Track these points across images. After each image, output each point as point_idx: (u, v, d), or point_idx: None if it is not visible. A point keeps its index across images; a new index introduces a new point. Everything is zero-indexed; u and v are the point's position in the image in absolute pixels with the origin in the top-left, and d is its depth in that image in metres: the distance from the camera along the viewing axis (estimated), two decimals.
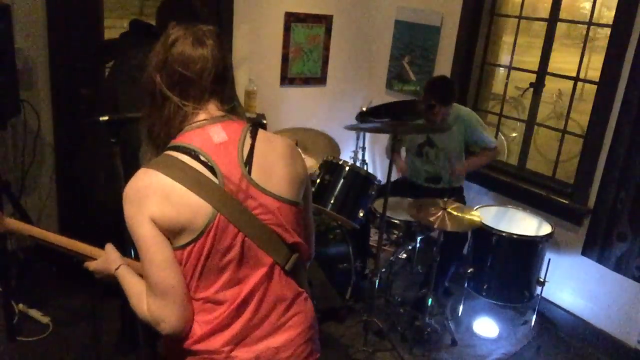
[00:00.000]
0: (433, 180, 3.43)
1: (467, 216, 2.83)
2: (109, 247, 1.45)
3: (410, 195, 3.30)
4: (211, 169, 1.22)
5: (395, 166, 3.35)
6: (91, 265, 1.45)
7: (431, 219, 2.73)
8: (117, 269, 1.36)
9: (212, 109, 1.29)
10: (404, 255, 3.28)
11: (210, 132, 1.26)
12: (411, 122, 3.16)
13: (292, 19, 3.99)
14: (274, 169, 1.29)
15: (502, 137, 5.61)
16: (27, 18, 3.00)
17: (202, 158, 1.22)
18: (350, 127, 3.16)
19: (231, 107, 1.33)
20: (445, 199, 2.85)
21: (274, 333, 1.30)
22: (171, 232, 1.19)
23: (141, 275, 1.29)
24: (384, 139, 4.08)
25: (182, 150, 1.23)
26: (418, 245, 3.19)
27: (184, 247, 1.20)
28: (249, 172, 1.25)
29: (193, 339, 1.25)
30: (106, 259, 1.42)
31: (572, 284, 3.26)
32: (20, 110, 2.92)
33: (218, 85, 1.28)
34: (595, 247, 3.09)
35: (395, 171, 3.37)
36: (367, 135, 4.58)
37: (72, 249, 1.52)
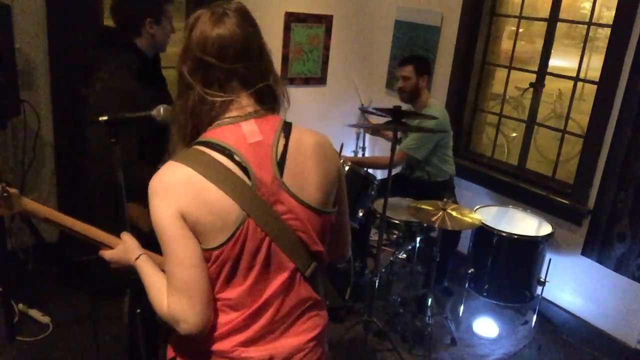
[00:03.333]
0: (408, 169, 3.47)
1: (466, 217, 2.84)
2: (127, 236, 1.40)
3: (400, 190, 3.31)
4: (244, 170, 1.17)
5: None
6: (107, 253, 1.40)
7: (432, 219, 2.74)
8: (137, 258, 1.32)
9: (245, 100, 1.22)
10: (404, 255, 3.28)
11: (244, 130, 1.20)
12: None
13: (292, 19, 3.99)
14: (306, 173, 1.23)
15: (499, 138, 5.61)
16: (27, 18, 3.00)
17: (237, 158, 1.17)
18: (352, 126, 3.16)
19: (263, 95, 1.24)
20: (445, 200, 2.86)
21: (288, 335, 1.28)
22: (199, 232, 1.15)
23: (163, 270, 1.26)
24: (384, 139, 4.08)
25: (215, 148, 1.17)
26: (418, 245, 3.19)
27: (213, 249, 1.16)
28: (281, 175, 1.20)
29: (207, 339, 1.22)
30: (125, 247, 1.37)
31: (572, 284, 3.26)
32: (20, 110, 2.92)
33: (242, 64, 1.20)
34: (595, 247, 3.09)
35: (395, 171, 3.38)
36: (367, 135, 4.58)
37: (88, 235, 1.45)
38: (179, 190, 1.14)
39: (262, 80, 1.23)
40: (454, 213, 2.81)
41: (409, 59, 3.37)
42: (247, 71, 1.21)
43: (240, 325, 1.22)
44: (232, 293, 1.21)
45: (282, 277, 1.24)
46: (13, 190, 1.31)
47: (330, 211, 1.30)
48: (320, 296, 1.36)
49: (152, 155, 2.05)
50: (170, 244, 1.14)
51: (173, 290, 1.16)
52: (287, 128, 1.25)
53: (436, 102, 3.42)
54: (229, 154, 1.17)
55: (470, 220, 2.82)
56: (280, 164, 1.20)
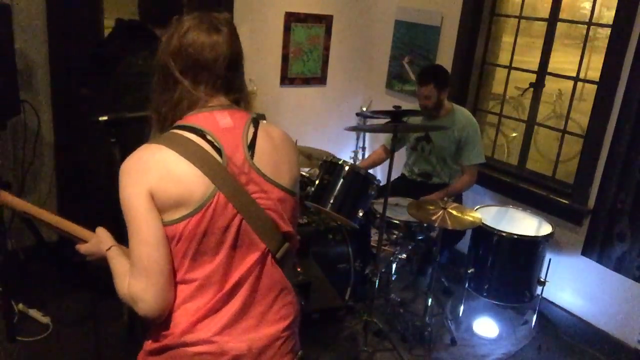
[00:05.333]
0: (425, 175, 3.46)
1: (467, 216, 2.84)
2: (101, 230, 1.43)
3: (406, 192, 3.32)
4: (217, 150, 1.23)
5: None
6: (82, 247, 1.44)
7: (432, 218, 2.74)
8: (108, 249, 1.35)
9: (222, 99, 1.30)
10: (404, 255, 3.28)
11: (216, 117, 1.27)
12: (411, 121, 3.18)
13: (292, 19, 4.00)
14: (275, 158, 1.32)
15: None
16: (27, 18, 3.00)
17: (209, 137, 1.23)
18: (351, 129, 3.17)
19: (238, 97, 1.34)
20: (445, 199, 2.86)
21: (263, 324, 1.30)
22: (167, 206, 1.18)
23: None
24: (384, 138, 4.08)
25: (188, 129, 1.24)
26: (418, 245, 3.19)
27: (178, 220, 1.18)
28: (252, 158, 1.27)
29: (181, 328, 1.23)
30: (98, 240, 1.40)
31: (572, 284, 3.26)
32: (20, 110, 2.92)
33: (230, 72, 1.29)
34: (595, 247, 3.09)
35: (395, 172, 3.38)
36: (367, 135, 4.58)
37: (65, 230, 1.50)
38: (149, 168, 1.18)
39: (241, 89, 1.35)
40: (454, 212, 2.81)
41: (429, 77, 3.22)
42: (232, 79, 1.31)
43: (213, 309, 1.23)
44: (201, 272, 1.22)
45: (253, 256, 1.27)
46: None
47: (297, 194, 1.38)
48: (291, 282, 1.38)
49: None
50: (136, 221, 1.17)
51: (134, 270, 1.19)
52: (255, 120, 1.34)
53: (457, 105, 3.39)
54: (201, 134, 1.23)
55: (470, 219, 2.82)
56: (251, 148, 1.28)
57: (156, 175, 1.17)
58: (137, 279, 1.18)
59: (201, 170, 1.18)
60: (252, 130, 1.31)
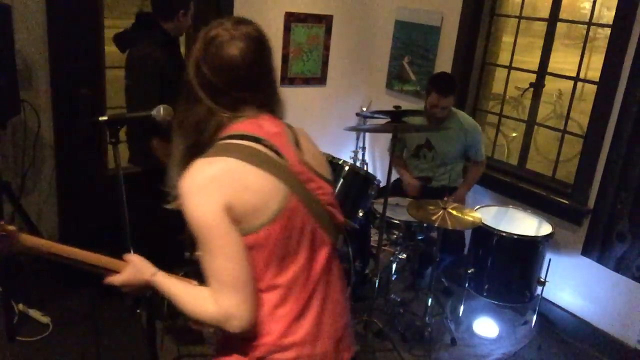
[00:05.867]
0: (425, 180, 3.46)
1: (467, 216, 2.84)
2: (134, 256, 1.35)
3: (408, 196, 3.32)
4: (276, 153, 1.22)
5: (404, 180, 3.42)
6: (117, 279, 1.33)
7: (432, 218, 2.74)
8: (153, 274, 1.30)
9: (249, 112, 1.28)
10: (404, 255, 3.28)
11: (262, 123, 1.26)
12: (411, 122, 3.18)
13: (292, 19, 3.99)
14: (316, 155, 1.36)
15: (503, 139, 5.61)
16: (27, 18, 3.00)
17: (265, 143, 1.22)
18: (351, 129, 3.17)
19: (273, 108, 1.34)
20: (445, 199, 2.86)
21: (338, 316, 1.34)
22: (244, 216, 1.15)
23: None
24: (384, 138, 4.09)
25: (242, 138, 1.21)
26: (418, 245, 3.19)
27: (258, 228, 1.16)
28: (303, 157, 1.30)
29: (273, 337, 1.21)
30: (135, 269, 1.32)
31: (572, 284, 3.26)
32: (20, 110, 2.92)
33: (252, 92, 1.26)
34: (595, 247, 3.09)
35: (397, 173, 3.38)
36: (367, 135, 4.58)
37: (94, 263, 1.36)
38: (222, 181, 1.15)
39: (276, 98, 1.34)
40: (454, 212, 2.81)
41: (451, 89, 3.20)
42: (257, 97, 1.28)
43: (300, 311, 1.23)
44: (285, 277, 1.22)
45: (325, 252, 1.29)
46: (11, 228, 1.23)
47: None
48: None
49: (173, 104, 2.47)
50: (218, 239, 1.14)
51: (222, 288, 1.14)
52: (287, 124, 1.37)
53: (454, 108, 3.39)
54: (258, 141, 1.21)
55: (470, 219, 2.82)
56: (297, 147, 1.30)
57: (230, 187, 1.15)
58: (227, 296, 1.14)
59: (272, 175, 1.18)
60: (290, 131, 1.33)
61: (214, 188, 1.14)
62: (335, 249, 1.33)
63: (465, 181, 3.48)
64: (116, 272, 1.34)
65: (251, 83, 1.25)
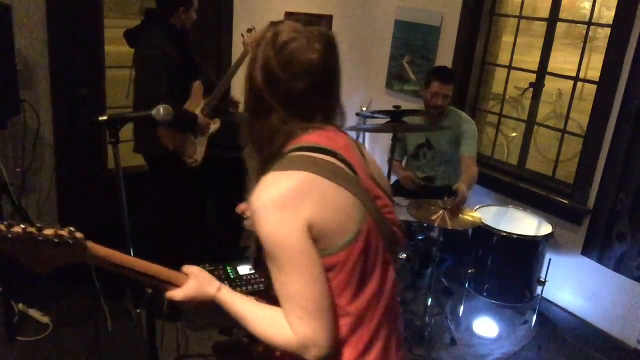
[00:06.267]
0: (429, 180, 3.45)
1: (467, 216, 2.84)
2: (196, 269, 1.24)
3: (409, 196, 3.31)
4: (350, 167, 1.15)
5: (398, 177, 3.40)
6: (177, 293, 1.20)
7: (432, 218, 2.74)
8: (219, 289, 1.20)
9: (319, 121, 1.19)
10: (404, 255, 3.28)
11: (333, 135, 1.18)
12: (411, 122, 3.18)
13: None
14: (378, 168, 1.32)
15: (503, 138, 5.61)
16: (27, 18, 3.00)
17: (339, 156, 1.14)
18: (351, 129, 3.17)
19: (340, 122, 1.26)
20: (446, 198, 2.86)
21: (401, 335, 1.27)
22: (325, 236, 1.07)
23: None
24: (384, 138, 4.09)
25: (316, 150, 1.12)
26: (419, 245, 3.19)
27: (339, 249, 1.08)
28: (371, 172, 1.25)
29: None
30: (198, 281, 1.21)
31: (572, 284, 3.26)
32: (20, 110, 2.92)
33: (325, 98, 1.18)
34: (595, 247, 3.09)
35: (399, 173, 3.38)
36: (367, 135, 4.58)
37: (155, 276, 1.21)
38: (303, 197, 1.05)
39: (340, 110, 1.25)
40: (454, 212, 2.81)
41: (450, 76, 3.24)
42: (335, 101, 1.22)
43: (374, 335, 1.16)
44: (362, 300, 1.13)
45: (392, 273, 1.23)
46: (80, 236, 1.10)
47: None
48: None
49: (180, 94, 2.92)
50: (299, 261, 1.04)
51: (302, 314, 1.05)
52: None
53: (451, 107, 3.38)
54: (331, 153, 1.13)
55: (470, 219, 2.82)
56: (364, 160, 1.25)
57: (311, 204, 1.05)
58: (306, 323, 1.04)
59: (350, 192, 1.10)
60: (355, 143, 1.27)
61: (295, 204, 1.04)
62: (394, 269, 1.25)
63: (462, 180, 3.41)
64: (177, 285, 1.22)
65: (326, 88, 1.17)
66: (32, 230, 0.99)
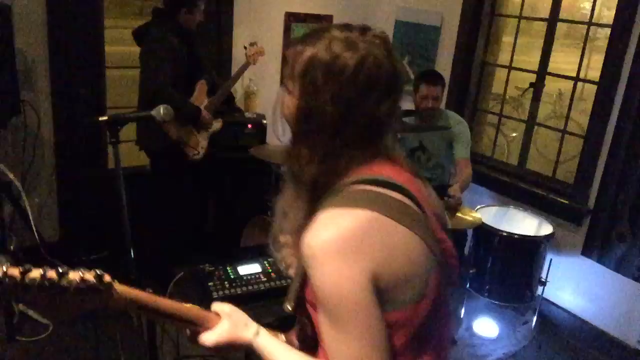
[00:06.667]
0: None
1: (467, 216, 2.84)
2: (231, 308, 1.08)
3: None
4: (417, 205, 0.98)
5: None
6: (208, 337, 1.05)
7: None
8: (256, 334, 1.05)
9: (380, 147, 1.02)
10: None
11: (399, 166, 1.02)
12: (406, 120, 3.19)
13: (292, 19, 3.99)
14: (440, 204, 1.13)
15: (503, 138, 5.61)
16: (27, 18, 3.00)
17: (407, 192, 0.97)
18: None
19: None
20: (446, 198, 2.86)
21: None
22: (391, 290, 0.90)
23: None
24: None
25: (380, 184, 0.95)
26: None
27: (405, 304, 0.92)
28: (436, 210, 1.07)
29: None
30: (233, 322, 1.06)
31: (572, 284, 3.26)
32: (20, 110, 2.92)
33: (390, 117, 1.00)
34: (595, 247, 3.09)
35: None
36: None
37: (183, 317, 1.05)
38: (368, 242, 0.89)
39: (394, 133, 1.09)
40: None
41: (438, 77, 3.19)
42: (396, 120, 1.05)
43: None
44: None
45: (449, 328, 1.08)
46: (108, 279, 0.95)
47: None
48: None
49: (183, 89, 2.98)
50: (361, 319, 0.88)
51: None
52: None
53: (444, 109, 3.37)
54: (399, 189, 0.96)
55: (470, 219, 2.82)
56: (428, 194, 1.07)
57: (378, 251, 0.89)
58: None
59: (420, 237, 0.93)
60: (418, 175, 1.08)
61: (360, 250, 0.88)
62: None
63: (456, 182, 3.27)
64: (207, 327, 1.06)
65: (392, 104, 0.99)
66: (53, 275, 0.84)
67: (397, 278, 0.90)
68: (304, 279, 0.98)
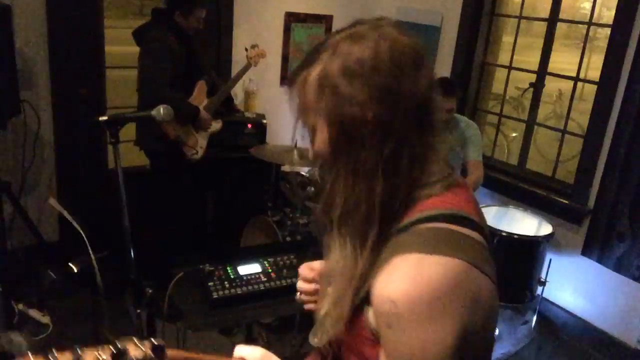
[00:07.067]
0: None
1: None
2: (258, 352, 0.94)
3: None
4: (485, 238, 0.88)
5: None
6: None
7: None
8: None
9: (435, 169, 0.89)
10: None
11: (467, 191, 0.91)
12: None
13: (292, 19, 3.99)
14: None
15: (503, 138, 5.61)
16: (27, 18, 3.00)
17: (477, 225, 0.85)
18: None
19: None
20: None
21: None
22: (471, 349, 0.80)
23: None
24: None
25: (462, 222, 0.82)
26: None
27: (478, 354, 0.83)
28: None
29: None
30: None
31: (572, 284, 3.26)
32: (20, 110, 2.92)
33: (437, 129, 0.89)
34: (595, 247, 3.09)
35: None
36: None
37: None
38: (457, 299, 0.77)
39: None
40: None
41: (453, 88, 3.11)
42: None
43: None
44: None
45: None
46: (173, 352, 0.90)
47: None
48: None
49: (182, 89, 2.99)
50: None
51: None
52: None
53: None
54: (474, 226, 0.84)
55: None
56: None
57: (469, 308, 0.78)
58: None
59: (494, 283, 0.85)
60: (470, 190, 0.95)
61: (450, 310, 0.76)
62: None
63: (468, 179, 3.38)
64: None
65: (428, 77, 0.87)
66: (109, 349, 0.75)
67: (479, 337, 0.81)
68: (353, 320, 0.87)
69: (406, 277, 0.76)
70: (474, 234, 0.83)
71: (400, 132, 0.82)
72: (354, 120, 0.82)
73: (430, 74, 0.87)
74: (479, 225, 0.84)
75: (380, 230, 0.83)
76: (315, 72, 0.85)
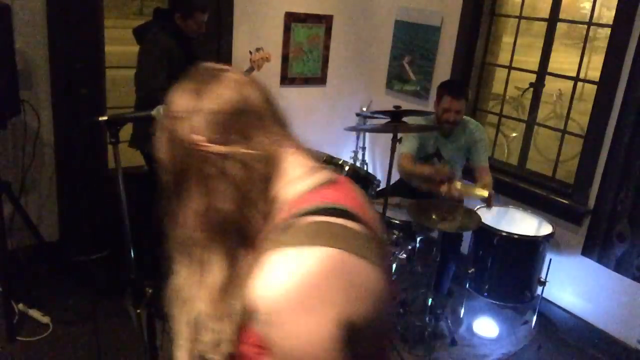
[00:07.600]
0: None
1: (477, 190, 2.80)
2: None
3: (412, 196, 3.30)
4: (367, 228, 0.84)
5: (424, 172, 3.16)
6: None
7: (432, 218, 2.74)
8: None
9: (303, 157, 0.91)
10: (404, 255, 3.27)
11: (348, 186, 0.89)
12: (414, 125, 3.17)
13: (292, 19, 3.99)
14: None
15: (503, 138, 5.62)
16: (27, 18, 3.00)
17: (358, 218, 0.82)
18: (351, 129, 3.16)
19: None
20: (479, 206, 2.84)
21: None
22: (361, 339, 0.77)
23: None
24: (384, 139, 4.08)
25: (331, 212, 0.80)
26: (418, 245, 3.19)
27: (369, 351, 0.81)
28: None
29: None
30: None
31: (572, 284, 3.26)
32: (20, 110, 2.92)
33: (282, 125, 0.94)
34: (595, 247, 3.09)
35: (397, 173, 3.36)
36: (367, 135, 4.58)
37: None
38: (335, 288, 0.74)
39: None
40: (458, 186, 2.79)
41: (462, 91, 3.10)
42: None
43: None
44: None
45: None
46: None
47: None
48: None
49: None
50: None
51: None
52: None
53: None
54: (349, 217, 0.81)
55: (479, 193, 2.75)
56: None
57: (347, 295, 0.75)
58: None
59: (381, 270, 0.80)
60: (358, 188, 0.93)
61: (328, 298, 0.73)
62: None
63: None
64: None
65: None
66: None
67: (368, 325, 0.77)
68: (240, 331, 0.83)
69: (282, 272, 0.74)
70: (355, 225, 0.80)
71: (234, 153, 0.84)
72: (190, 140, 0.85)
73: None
74: (361, 218, 0.82)
75: (246, 239, 0.82)
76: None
